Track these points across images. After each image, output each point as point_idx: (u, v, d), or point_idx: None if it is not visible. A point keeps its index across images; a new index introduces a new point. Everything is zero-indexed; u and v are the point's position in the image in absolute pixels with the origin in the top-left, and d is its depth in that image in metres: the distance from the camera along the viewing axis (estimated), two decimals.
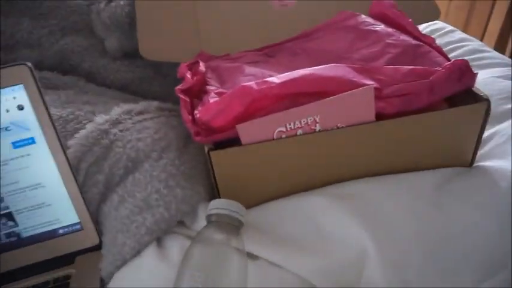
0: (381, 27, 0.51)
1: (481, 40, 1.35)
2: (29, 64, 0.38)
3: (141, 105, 0.50)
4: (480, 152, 0.47)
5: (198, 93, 0.46)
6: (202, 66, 0.48)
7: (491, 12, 1.32)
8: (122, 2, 0.59)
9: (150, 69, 0.61)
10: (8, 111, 0.39)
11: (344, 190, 0.42)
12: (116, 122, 0.46)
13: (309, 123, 0.40)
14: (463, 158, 0.45)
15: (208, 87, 0.46)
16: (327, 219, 0.40)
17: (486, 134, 0.49)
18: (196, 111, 0.41)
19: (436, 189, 0.41)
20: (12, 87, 0.39)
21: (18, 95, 0.39)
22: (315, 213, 0.40)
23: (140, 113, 0.49)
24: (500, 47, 1.34)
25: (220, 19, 0.60)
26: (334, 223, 0.39)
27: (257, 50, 0.57)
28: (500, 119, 0.51)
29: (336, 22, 0.56)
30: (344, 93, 0.39)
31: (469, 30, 1.42)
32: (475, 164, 0.46)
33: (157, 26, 0.59)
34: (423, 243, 0.38)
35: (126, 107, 0.49)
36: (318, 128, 0.40)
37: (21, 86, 0.39)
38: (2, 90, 0.38)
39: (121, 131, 0.45)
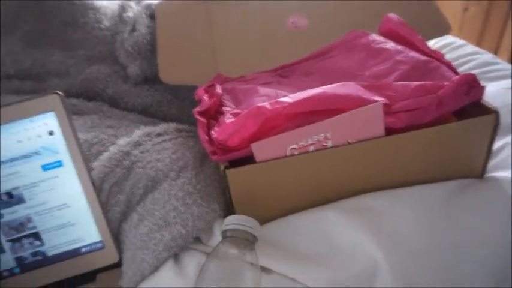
0: (390, 44, 0.53)
1: (496, 51, 1.34)
2: (61, 93, 0.41)
3: (161, 127, 0.53)
4: (491, 163, 0.47)
5: (214, 114, 0.48)
6: (218, 89, 0.50)
7: (505, 24, 1.31)
8: (143, 31, 0.62)
9: (169, 93, 0.64)
10: (39, 136, 0.42)
11: (356, 204, 0.43)
12: (136, 144, 0.48)
13: (321, 140, 0.41)
14: (474, 169, 0.45)
15: (224, 109, 0.48)
16: (340, 233, 0.41)
17: (496, 145, 0.49)
18: (212, 132, 0.43)
19: (447, 201, 0.42)
20: (44, 115, 0.42)
21: (49, 121, 0.42)
22: (328, 227, 0.41)
23: (159, 134, 0.51)
24: None
25: (235, 41, 0.63)
26: (347, 236, 0.40)
27: (271, 70, 0.58)
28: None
29: (347, 41, 0.57)
30: (354, 110, 0.41)
31: (484, 41, 1.40)
32: (486, 175, 0.46)
33: (176, 52, 0.62)
34: (434, 254, 0.38)
35: (146, 129, 0.51)
36: (329, 144, 0.41)
37: (52, 113, 0.42)
38: (35, 117, 0.41)
39: (141, 152, 0.48)
